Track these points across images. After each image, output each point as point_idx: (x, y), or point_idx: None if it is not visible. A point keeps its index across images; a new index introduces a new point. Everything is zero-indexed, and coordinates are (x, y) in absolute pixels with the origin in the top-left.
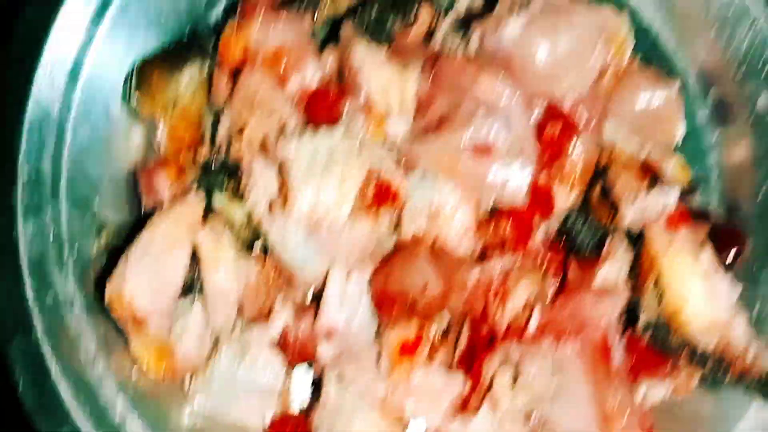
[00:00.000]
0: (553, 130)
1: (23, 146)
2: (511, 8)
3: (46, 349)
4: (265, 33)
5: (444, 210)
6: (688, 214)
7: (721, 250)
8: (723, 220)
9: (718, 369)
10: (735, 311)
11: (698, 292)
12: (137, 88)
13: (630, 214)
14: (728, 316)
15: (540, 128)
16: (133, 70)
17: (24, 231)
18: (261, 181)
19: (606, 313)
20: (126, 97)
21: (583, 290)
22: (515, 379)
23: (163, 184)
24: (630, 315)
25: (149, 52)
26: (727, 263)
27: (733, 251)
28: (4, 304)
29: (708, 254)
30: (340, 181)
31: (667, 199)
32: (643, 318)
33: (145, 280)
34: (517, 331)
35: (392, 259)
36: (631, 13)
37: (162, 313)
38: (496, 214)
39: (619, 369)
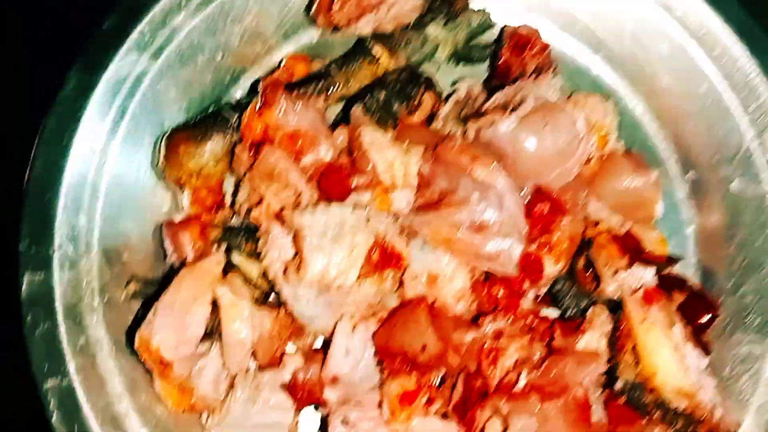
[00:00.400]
0: (542, 208)
1: (61, 205)
2: (504, 106)
3: (78, 387)
4: (285, 116)
5: (442, 276)
6: (662, 290)
7: (695, 317)
8: (698, 288)
9: (687, 427)
10: (702, 378)
11: (669, 361)
12: (165, 156)
13: (610, 287)
14: (696, 382)
15: (530, 206)
16: (162, 139)
17: (60, 281)
18: (276, 246)
19: (587, 375)
20: (155, 163)
21: (566, 354)
22: (504, 430)
23: (187, 241)
24: (609, 376)
25: (177, 124)
26: (700, 328)
27: (706, 317)
28: (41, 346)
29: (679, 329)
30: (348, 250)
31: (644, 275)
32: (621, 380)
33: (170, 330)
34: (507, 386)
35: (395, 319)
36: (616, 102)
37: (185, 359)
38: (489, 279)
39: (597, 425)
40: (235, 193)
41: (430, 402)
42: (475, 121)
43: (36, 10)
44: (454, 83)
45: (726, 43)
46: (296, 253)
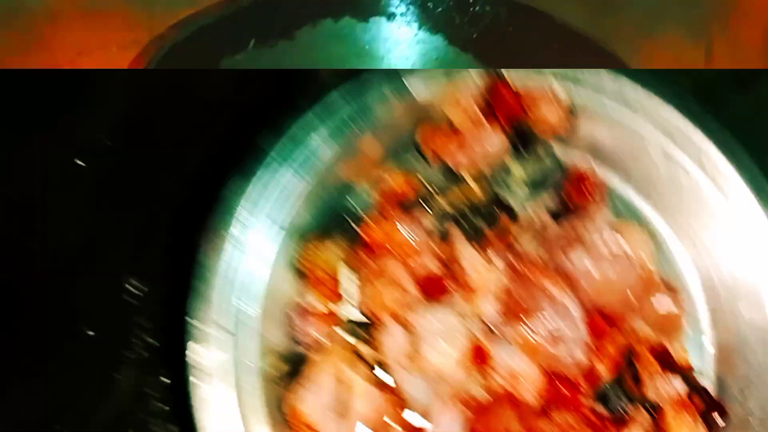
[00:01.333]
0: (599, 323)
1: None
2: (570, 237)
3: None
4: (397, 227)
5: (519, 372)
6: (690, 399)
7: (709, 418)
8: (712, 394)
9: None
10: None
11: None
12: (295, 249)
13: (650, 392)
14: None
15: (589, 321)
16: (292, 236)
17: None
18: (392, 338)
19: None
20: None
21: None
22: None
23: (313, 327)
24: None
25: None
26: (711, 427)
27: (718, 418)
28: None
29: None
30: (451, 345)
31: (678, 385)
32: None
33: (313, 401)
34: None
35: (483, 407)
36: (652, 231)
37: (326, 424)
38: (556, 376)
39: None
40: (350, 287)
41: None
42: (549, 249)
43: None
44: (524, 206)
45: (737, 187)
46: (411, 345)
